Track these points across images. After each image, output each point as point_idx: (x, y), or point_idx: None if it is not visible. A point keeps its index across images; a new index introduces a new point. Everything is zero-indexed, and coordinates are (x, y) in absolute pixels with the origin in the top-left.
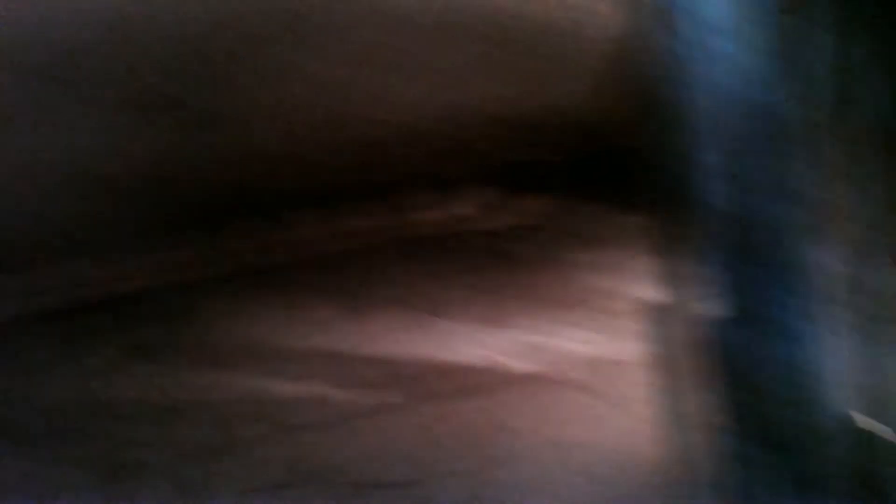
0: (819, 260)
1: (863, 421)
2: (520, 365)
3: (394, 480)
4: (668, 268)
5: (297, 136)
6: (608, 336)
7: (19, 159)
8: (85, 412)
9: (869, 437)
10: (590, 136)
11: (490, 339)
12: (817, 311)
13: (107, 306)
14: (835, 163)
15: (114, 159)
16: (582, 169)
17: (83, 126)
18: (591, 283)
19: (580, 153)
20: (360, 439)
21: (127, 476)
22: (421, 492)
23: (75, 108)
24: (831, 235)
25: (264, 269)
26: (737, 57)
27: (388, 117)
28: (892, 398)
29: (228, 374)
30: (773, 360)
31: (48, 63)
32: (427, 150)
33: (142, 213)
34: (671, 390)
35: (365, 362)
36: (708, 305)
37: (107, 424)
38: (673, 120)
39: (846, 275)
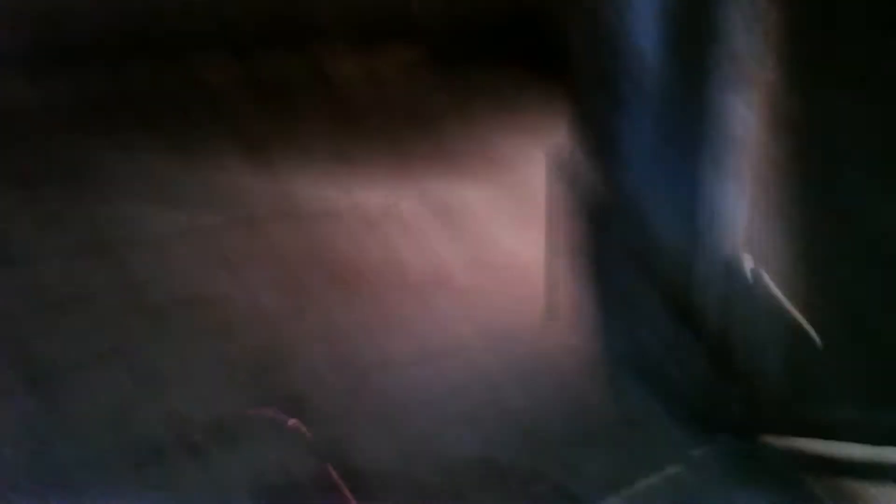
0: (732, 108)
1: (751, 268)
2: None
3: None
4: (574, 129)
5: None
6: (503, 191)
7: None
8: None
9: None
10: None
11: (390, 188)
12: (723, 158)
13: None
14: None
15: None
16: (504, 34)
17: None
18: (502, 143)
19: (502, 18)
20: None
21: None
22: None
23: None
24: (747, 84)
25: (162, 109)
26: None
27: None
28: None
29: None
30: (668, 197)
31: None
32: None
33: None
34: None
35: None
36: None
37: None
38: None
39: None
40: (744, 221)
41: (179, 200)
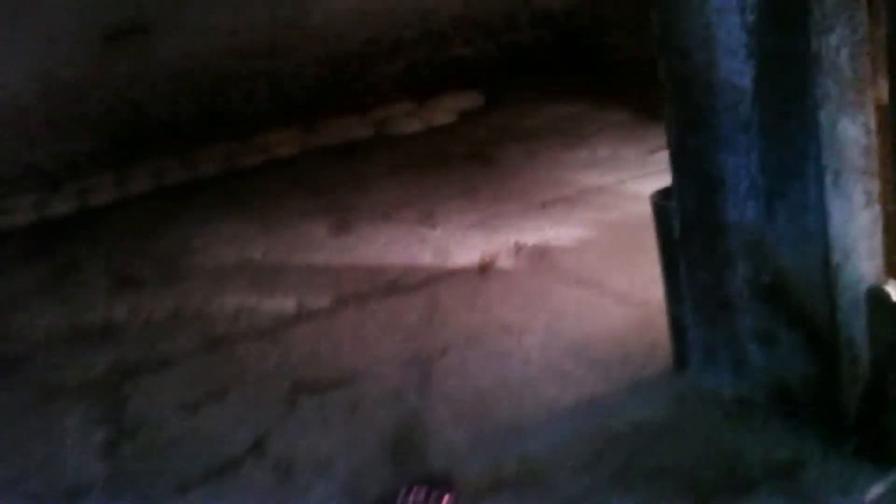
0: (848, 134)
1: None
2: (508, 262)
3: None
4: (674, 167)
5: (269, 53)
6: (592, 229)
7: None
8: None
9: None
10: (563, 31)
11: (480, 242)
12: (840, 180)
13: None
14: (862, 30)
15: (84, 89)
16: (560, 73)
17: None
18: (573, 178)
19: (554, 49)
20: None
21: (57, 398)
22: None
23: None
24: (859, 108)
25: (240, 189)
26: None
27: (358, 31)
28: None
29: (209, 291)
30: (793, 231)
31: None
32: (402, 59)
33: (110, 139)
34: (669, 271)
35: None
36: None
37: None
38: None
39: (867, 145)
40: (880, 247)
41: (282, 286)
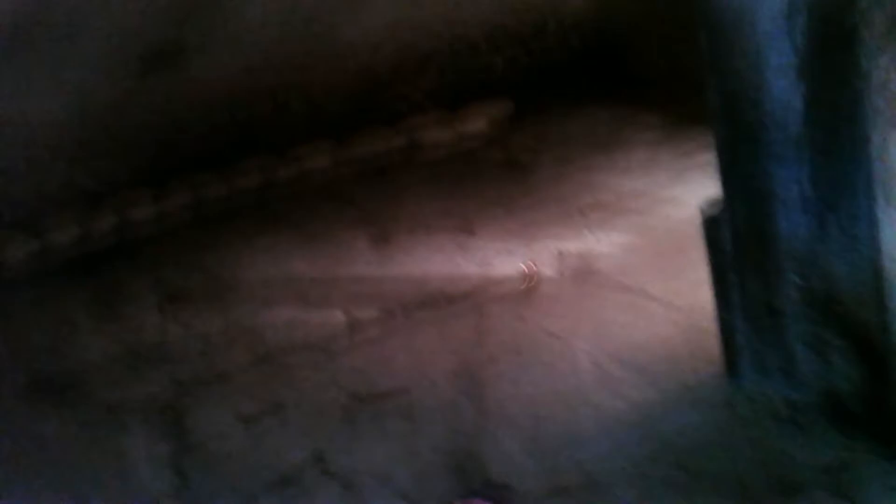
0: (893, 143)
1: None
2: (551, 271)
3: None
4: (721, 180)
5: (301, 67)
6: (633, 235)
7: (30, 114)
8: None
9: None
10: (592, 38)
11: (522, 251)
12: (890, 192)
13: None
14: None
15: (121, 108)
16: (588, 71)
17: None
18: (610, 184)
19: (584, 56)
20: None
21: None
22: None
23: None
24: None
25: (278, 203)
26: None
27: (390, 43)
28: None
29: (258, 306)
30: (844, 241)
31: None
32: (433, 69)
33: (149, 156)
34: (718, 280)
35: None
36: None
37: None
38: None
39: None
40: None
41: (329, 299)
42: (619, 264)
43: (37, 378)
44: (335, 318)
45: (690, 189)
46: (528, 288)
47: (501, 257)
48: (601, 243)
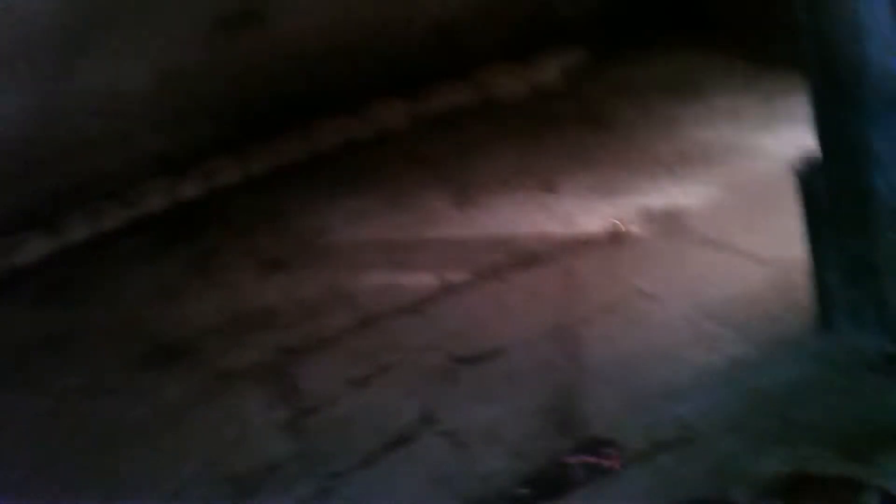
0: None
1: None
2: (637, 227)
3: None
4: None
5: (374, 25)
6: (719, 188)
7: (116, 85)
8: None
9: None
10: None
11: (605, 208)
12: None
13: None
14: None
15: (202, 74)
16: (662, 15)
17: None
18: (692, 135)
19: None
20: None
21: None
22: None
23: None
24: None
25: (356, 162)
26: None
27: None
28: None
29: (352, 270)
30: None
31: None
32: (504, 21)
33: (230, 122)
34: (814, 237)
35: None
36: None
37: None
38: None
39: None
40: None
41: (419, 261)
42: (707, 219)
43: (151, 346)
44: (427, 281)
45: (776, 139)
46: (616, 245)
47: (586, 215)
48: (687, 197)
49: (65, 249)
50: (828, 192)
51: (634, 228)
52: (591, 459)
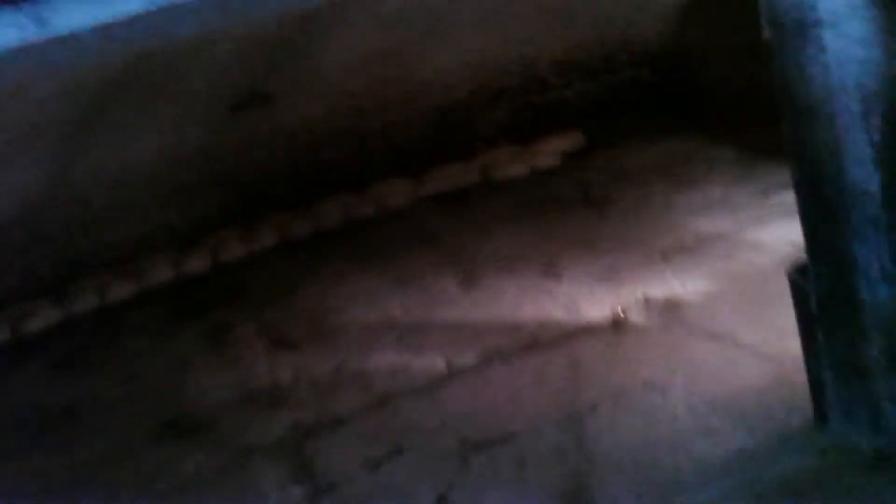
0: None
1: None
2: (639, 317)
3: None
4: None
5: (379, 108)
6: (717, 280)
7: (128, 160)
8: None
9: None
10: (663, 70)
11: (608, 296)
12: None
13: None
14: None
15: (211, 152)
16: (658, 103)
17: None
18: (689, 224)
19: (654, 87)
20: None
21: (250, 458)
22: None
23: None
24: None
25: (361, 240)
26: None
27: (464, 82)
28: None
29: (361, 350)
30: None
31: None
32: (505, 105)
33: (237, 198)
34: (807, 338)
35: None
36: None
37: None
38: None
39: None
40: None
41: (427, 343)
42: (706, 311)
43: (168, 418)
44: (436, 363)
45: (771, 232)
46: (618, 333)
47: (588, 301)
48: (686, 288)
49: (74, 319)
50: (818, 299)
51: (635, 317)
52: None
